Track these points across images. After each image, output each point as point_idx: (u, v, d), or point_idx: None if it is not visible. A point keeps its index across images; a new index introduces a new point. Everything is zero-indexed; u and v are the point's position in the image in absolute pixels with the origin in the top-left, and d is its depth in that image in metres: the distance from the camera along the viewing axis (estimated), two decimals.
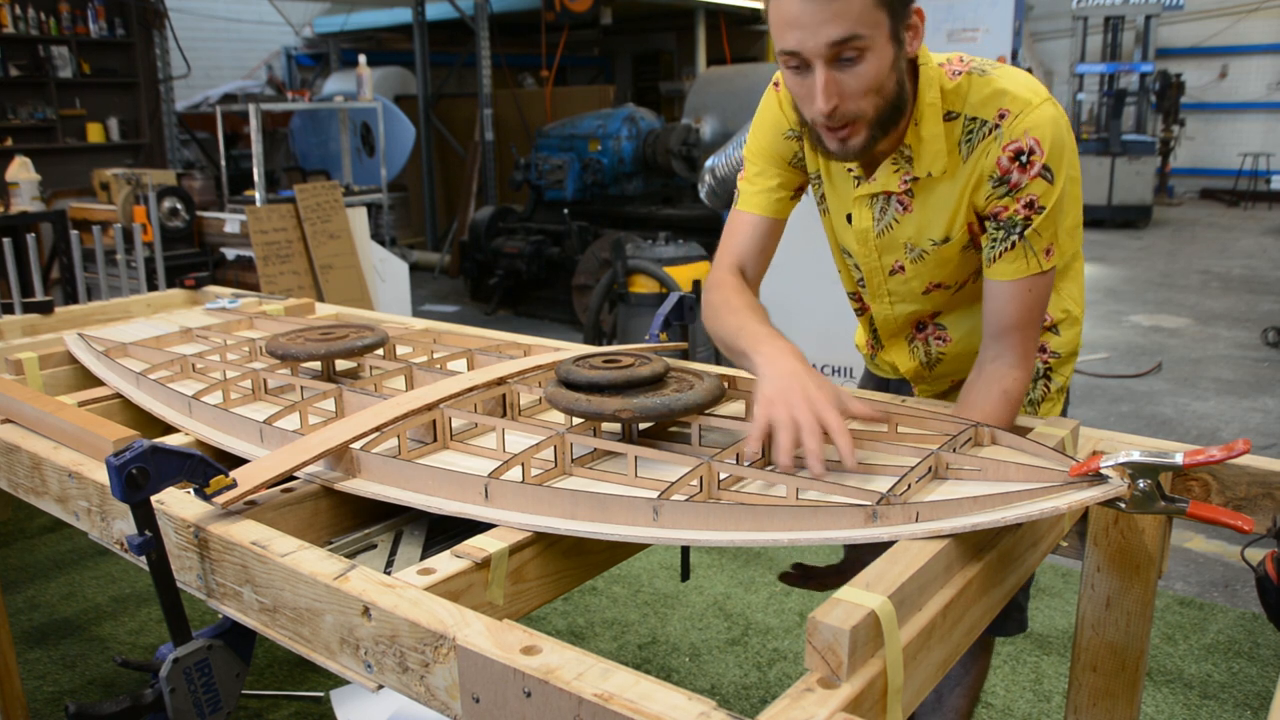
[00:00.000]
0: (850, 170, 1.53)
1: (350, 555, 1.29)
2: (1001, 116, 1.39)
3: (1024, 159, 1.38)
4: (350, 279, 5.80)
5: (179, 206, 5.67)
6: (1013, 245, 1.42)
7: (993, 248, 1.44)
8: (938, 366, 1.73)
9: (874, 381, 1.90)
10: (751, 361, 1.41)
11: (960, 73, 1.43)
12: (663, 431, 1.52)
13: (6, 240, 4.79)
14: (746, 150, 1.66)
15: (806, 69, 1.31)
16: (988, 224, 1.45)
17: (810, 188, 1.68)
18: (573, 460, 1.39)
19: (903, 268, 1.59)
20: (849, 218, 1.59)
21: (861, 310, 1.76)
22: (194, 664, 1.25)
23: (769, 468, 1.36)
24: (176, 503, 1.32)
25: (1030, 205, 1.40)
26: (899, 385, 1.83)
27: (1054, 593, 3.18)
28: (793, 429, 1.24)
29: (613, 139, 7.76)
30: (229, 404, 1.71)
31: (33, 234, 5.04)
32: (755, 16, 12.25)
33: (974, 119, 1.41)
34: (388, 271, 6.21)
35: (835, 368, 4.97)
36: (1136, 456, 1.12)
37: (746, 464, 1.33)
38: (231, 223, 5.74)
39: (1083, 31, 13.42)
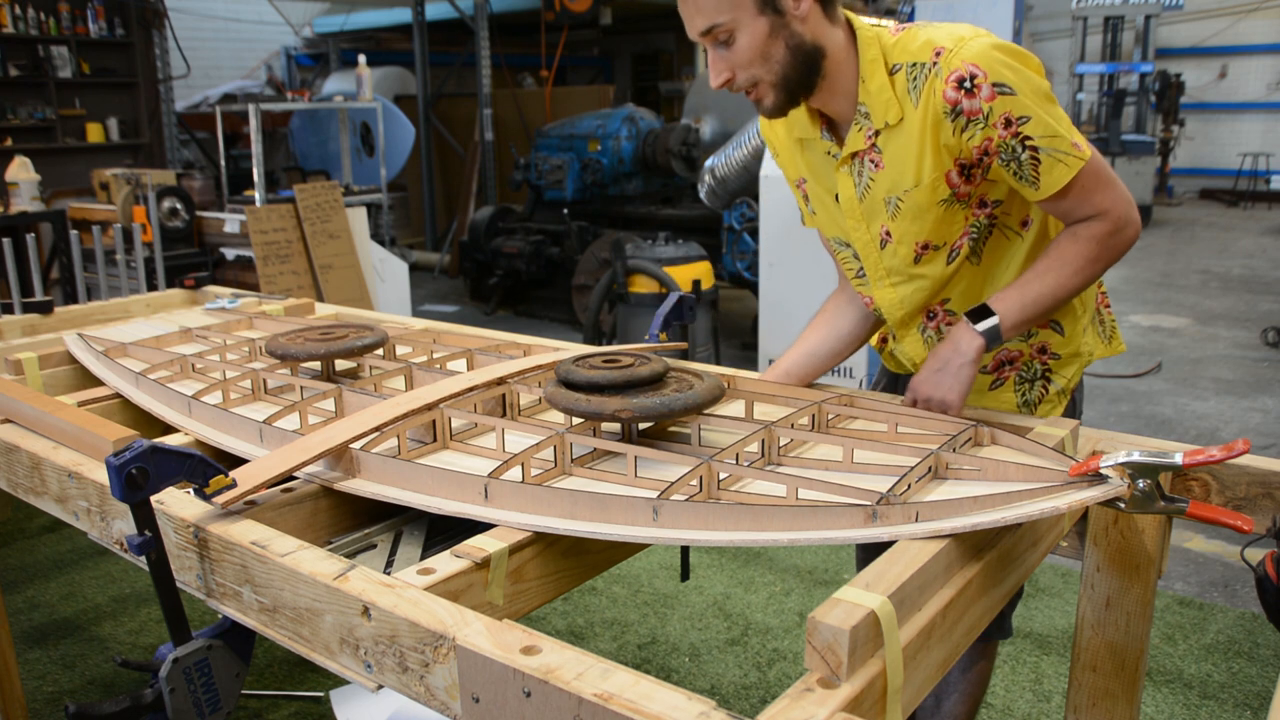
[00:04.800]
0: (829, 153, 1.61)
1: (350, 555, 1.29)
2: (938, 54, 1.45)
3: (969, 84, 1.42)
4: (350, 279, 5.80)
5: (179, 206, 5.67)
6: (1036, 160, 1.44)
7: (1020, 176, 1.47)
8: None
9: (887, 376, 1.91)
10: None
11: (902, 28, 1.52)
12: (662, 431, 1.52)
13: (6, 240, 4.79)
14: None
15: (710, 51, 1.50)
16: (996, 166, 1.48)
17: (797, 197, 1.76)
18: (572, 460, 1.39)
19: (889, 234, 1.61)
20: (836, 198, 1.64)
21: (869, 304, 1.77)
22: (194, 664, 1.25)
23: (769, 467, 1.36)
24: (176, 503, 1.32)
25: (1009, 123, 1.43)
26: (910, 380, 1.84)
27: (1054, 593, 3.18)
28: None
29: (612, 139, 7.76)
30: (228, 404, 1.71)
31: (32, 234, 5.04)
32: None
33: (914, 64, 1.48)
34: (387, 271, 6.21)
35: (836, 368, 4.97)
36: (1136, 456, 1.12)
37: (747, 463, 1.33)
38: (231, 223, 5.74)
39: (1082, 31, 13.42)
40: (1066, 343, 1.69)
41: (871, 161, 1.56)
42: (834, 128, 1.60)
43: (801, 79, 1.49)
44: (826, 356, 1.83)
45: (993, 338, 1.50)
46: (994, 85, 1.41)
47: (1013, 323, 1.51)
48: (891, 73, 1.50)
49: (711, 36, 1.45)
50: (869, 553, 1.94)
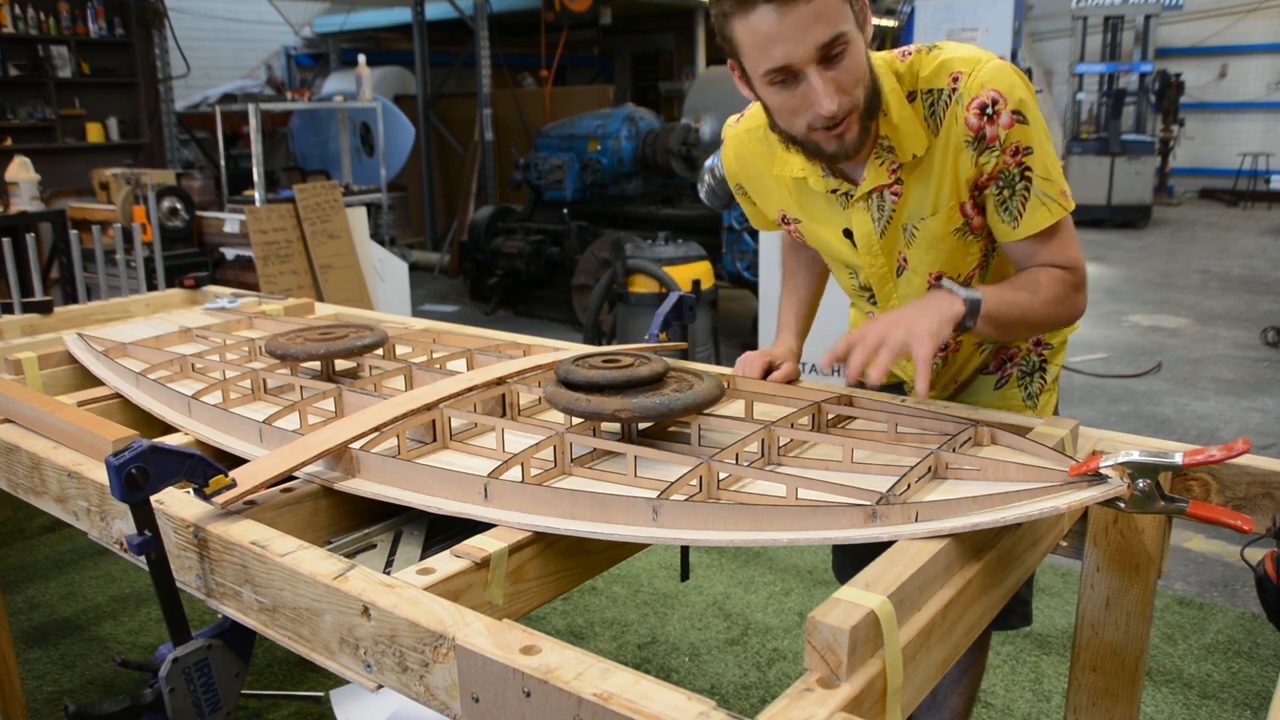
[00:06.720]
0: (835, 192, 1.54)
1: (350, 555, 1.29)
2: (955, 79, 1.41)
3: (990, 110, 1.38)
4: (350, 279, 5.79)
5: (178, 206, 5.66)
6: (1025, 196, 1.42)
7: (1006, 208, 1.44)
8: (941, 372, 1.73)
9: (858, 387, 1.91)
10: None
11: (909, 53, 1.46)
12: (662, 431, 1.52)
13: (6, 240, 4.79)
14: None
15: (794, 80, 1.32)
16: (988, 192, 1.45)
17: (787, 229, 1.73)
18: (572, 460, 1.39)
19: (906, 260, 1.58)
20: (847, 233, 1.58)
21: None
22: (193, 664, 1.25)
23: (769, 467, 1.36)
24: (176, 503, 1.32)
25: (1016, 152, 1.40)
26: (885, 389, 1.84)
27: (1054, 593, 3.18)
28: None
29: (612, 139, 7.76)
30: (228, 404, 1.71)
31: (32, 234, 5.04)
32: None
33: (930, 91, 1.43)
34: (387, 271, 6.21)
35: (833, 369, 4.96)
36: (1136, 456, 1.12)
37: (746, 464, 1.33)
38: (231, 223, 5.74)
39: (1082, 31, 13.41)
40: (1055, 333, 1.74)
41: (892, 193, 1.51)
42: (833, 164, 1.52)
43: (874, 109, 1.39)
44: (817, 296, 1.90)
45: (972, 310, 1.37)
46: (1013, 113, 1.38)
47: (988, 312, 1.37)
48: (909, 99, 1.44)
49: (827, 50, 1.29)
50: (851, 564, 1.92)
